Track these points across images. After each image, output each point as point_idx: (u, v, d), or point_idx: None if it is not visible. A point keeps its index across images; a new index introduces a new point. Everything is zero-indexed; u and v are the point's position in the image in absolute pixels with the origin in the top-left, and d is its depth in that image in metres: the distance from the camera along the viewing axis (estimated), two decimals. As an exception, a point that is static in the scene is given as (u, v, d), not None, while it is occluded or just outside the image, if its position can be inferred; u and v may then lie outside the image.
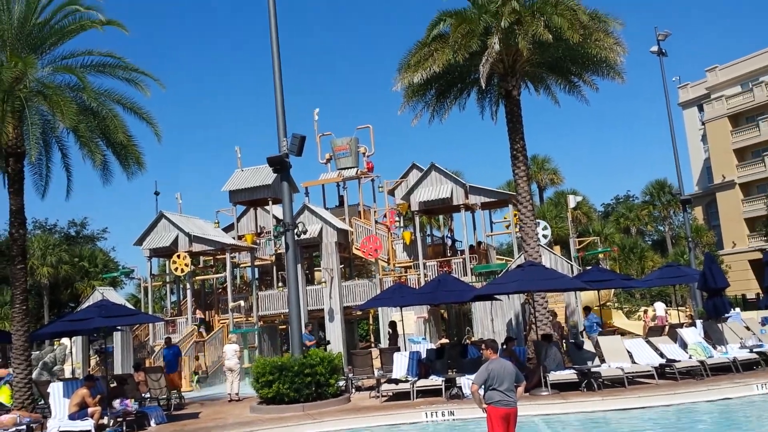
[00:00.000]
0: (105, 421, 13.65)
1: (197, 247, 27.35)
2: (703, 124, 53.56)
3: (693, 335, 16.37)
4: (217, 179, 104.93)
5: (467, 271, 25.39)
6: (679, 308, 24.44)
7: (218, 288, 31.39)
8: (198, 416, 15.28)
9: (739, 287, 42.73)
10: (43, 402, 15.89)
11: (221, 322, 27.03)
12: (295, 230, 16.88)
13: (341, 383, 15.93)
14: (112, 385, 15.41)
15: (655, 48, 33.68)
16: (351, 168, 29.64)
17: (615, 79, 18.99)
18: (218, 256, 30.17)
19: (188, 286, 27.77)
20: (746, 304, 37.18)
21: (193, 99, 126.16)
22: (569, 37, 16.62)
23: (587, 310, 20.73)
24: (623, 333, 22.35)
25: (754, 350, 15.61)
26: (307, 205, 27.97)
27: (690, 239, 32.98)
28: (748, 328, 17.86)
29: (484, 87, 18.32)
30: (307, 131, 18.26)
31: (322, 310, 26.92)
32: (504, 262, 27.81)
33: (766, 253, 20.63)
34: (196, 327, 26.00)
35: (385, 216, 29.52)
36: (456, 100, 20.72)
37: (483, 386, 8.99)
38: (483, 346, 9.63)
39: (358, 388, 16.96)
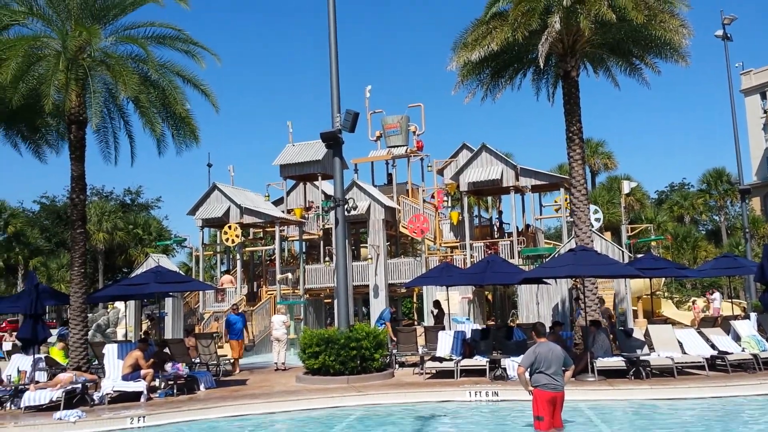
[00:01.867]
0: (156, 383, 14.12)
1: (248, 219, 27.84)
2: (766, 112, 51.46)
3: (747, 328, 15.91)
4: (269, 153, 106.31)
5: (514, 253, 25.17)
6: (733, 300, 23.80)
7: (266, 260, 31.94)
8: (246, 383, 15.66)
9: (797, 282, 41.24)
10: (96, 362, 16.52)
11: (269, 293, 27.55)
12: (345, 206, 16.99)
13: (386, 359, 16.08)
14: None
15: (720, 32, 32.43)
16: (401, 146, 29.60)
17: (679, 62, 18.36)
18: (267, 229, 30.67)
19: (238, 256, 28.33)
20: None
21: (248, 73, 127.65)
22: (633, 17, 16.11)
23: (577, 301, 20.17)
24: (673, 323, 21.86)
25: (812, 347, 15.10)
26: (356, 182, 28.10)
27: (747, 230, 31.91)
28: (806, 324, 17.27)
29: (542, 67, 17.97)
30: (359, 108, 18.28)
31: (367, 286, 27.14)
32: (552, 246, 27.47)
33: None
34: (245, 297, 26.57)
35: (433, 195, 29.45)
36: (511, 80, 20.38)
37: (530, 369, 8.96)
38: (532, 330, 9.61)
39: (402, 365, 17.10)
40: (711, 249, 45.62)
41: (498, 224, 30.99)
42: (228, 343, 18.78)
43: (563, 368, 9.07)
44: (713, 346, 15.24)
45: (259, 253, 32.77)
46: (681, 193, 59.46)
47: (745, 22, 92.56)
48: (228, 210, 27.86)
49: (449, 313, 19.28)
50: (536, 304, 22.76)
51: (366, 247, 28.94)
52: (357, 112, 16.62)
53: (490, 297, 28.43)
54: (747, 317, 18.33)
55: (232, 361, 18.09)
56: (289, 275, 27.45)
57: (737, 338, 15.53)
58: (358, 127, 17.16)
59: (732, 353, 14.62)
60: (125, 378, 13.74)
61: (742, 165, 31.68)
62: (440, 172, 29.63)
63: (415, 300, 33.18)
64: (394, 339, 18.15)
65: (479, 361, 14.78)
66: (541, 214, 30.95)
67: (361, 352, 14.71)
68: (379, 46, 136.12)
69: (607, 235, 27.72)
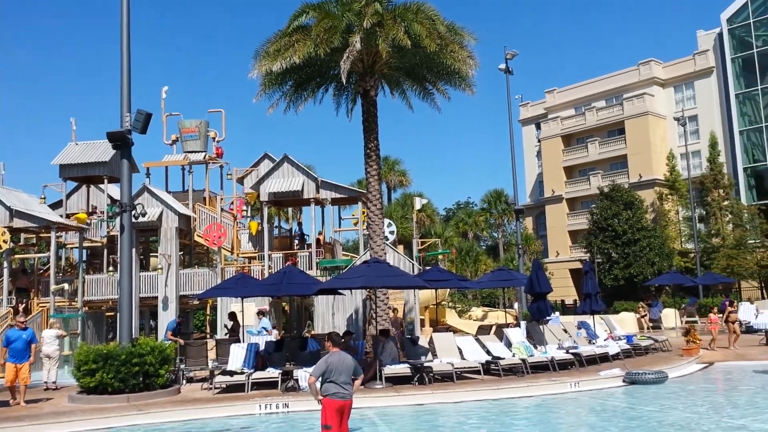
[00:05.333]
0: None
1: (19, 223, 24.85)
2: (539, 141, 57.85)
3: (517, 335, 17.54)
4: (48, 152, 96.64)
5: (313, 264, 25.38)
6: (506, 310, 26.36)
7: (40, 269, 28.82)
8: (8, 404, 13.87)
9: (560, 293, 46.65)
10: None
11: (41, 305, 24.82)
12: (132, 212, 15.91)
13: (173, 374, 15.25)
14: None
15: (503, 65, 35.83)
16: (198, 152, 28.53)
17: (466, 90, 19.90)
18: (42, 235, 27.67)
19: (5, 264, 25.20)
20: (565, 309, 40.62)
21: (26, 64, 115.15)
22: (426, 45, 17.17)
23: (260, 314, 20.30)
24: (455, 331, 23.49)
25: (570, 351, 17.06)
26: (148, 187, 26.49)
27: (520, 246, 35.44)
28: (565, 331, 19.51)
29: (344, 83, 18.43)
30: (154, 109, 17.23)
31: (156, 298, 25.65)
32: (349, 258, 28.15)
33: (586, 263, 22.71)
34: (11, 309, 23.64)
35: (232, 204, 28.73)
36: (313, 94, 20.68)
37: (320, 378, 9.01)
38: (326, 339, 9.67)
39: (190, 380, 16.30)
40: (490, 263, 49.97)
41: (299, 236, 31.07)
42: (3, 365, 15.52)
43: (353, 377, 9.24)
44: (488, 352, 16.57)
45: (31, 261, 29.46)
46: (466, 211, 64.56)
47: (527, 58, 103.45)
48: (-6, 212, 24.66)
49: (244, 325, 18.85)
50: (332, 314, 23.16)
51: (156, 256, 27.36)
52: (150, 113, 15.66)
53: (287, 308, 28.34)
54: (518, 325, 20.23)
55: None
56: (66, 286, 24.98)
57: (509, 345, 17.05)
58: (153, 130, 16.23)
59: (504, 358, 16.00)
60: None
61: (518, 188, 35.19)
62: (240, 180, 29.03)
63: (208, 312, 32.00)
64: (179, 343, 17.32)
65: (272, 373, 14.59)
66: (340, 227, 31.61)
67: (144, 368, 13.77)
68: (180, 46, 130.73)
69: (400, 248, 29.16)
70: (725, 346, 20.33)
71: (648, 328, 28.60)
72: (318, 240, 26.99)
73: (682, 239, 46.85)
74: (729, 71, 48.51)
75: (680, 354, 18.33)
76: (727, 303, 31.84)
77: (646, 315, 29.84)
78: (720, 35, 49.36)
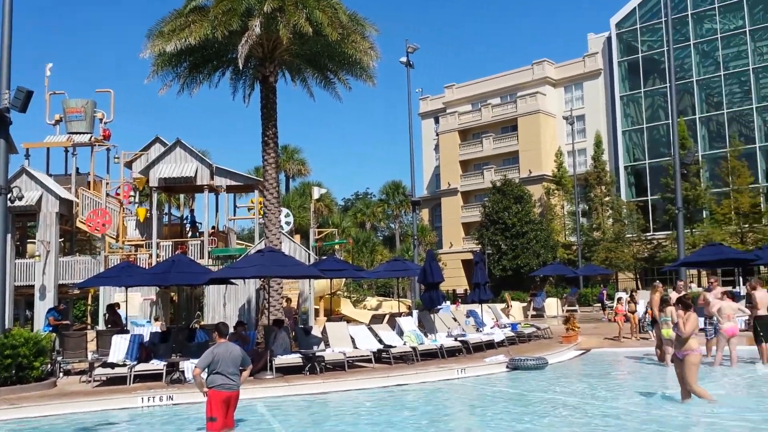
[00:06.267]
0: None
1: None
2: (437, 135, 59.14)
3: (409, 324, 17.90)
4: None
5: (205, 253, 24.72)
6: (400, 299, 26.83)
7: None
8: None
9: (452, 283, 48.09)
10: None
11: None
12: (8, 195, 14.92)
13: (49, 367, 14.42)
14: None
15: (404, 59, 36.25)
16: (84, 133, 27.05)
17: (366, 81, 19.98)
18: None
19: None
20: (456, 298, 41.87)
21: None
22: (328, 33, 17.08)
23: (116, 306, 19.33)
24: (349, 320, 23.66)
25: (458, 339, 17.62)
26: (27, 169, 24.85)
27: (415, 237, 36.15)
28: (455, 319, 20.12)
29: (241, 68, 18.04)
30: (37, 87, 16.16)
31: (33, 286, 24.18)
32: (244, 247, 27.65)
33: (476, 254, 23.47)
34: None
35: (118, 189, 27.47)
36: (209, 77, 20.11)
37: (207, 369, 8.84)
38: (215, 330, 9.50)
39: (68, 373, 15.49)
40: (386, 253, 50.72)
41: (191, 224, 30.12)
42: None
43: (240, 368, 9.12)
44: (381, 341, 16.81)
45: None
46: (364, 202, 65.12)
47: (428, 52, 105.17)
48: None
49: (127, 316, 18.11)
50: (223, 305, 22.68)
51: (34, 242, 25.75)
52: (31, 90, 14.80)
53: (175, 298, 27.47)
54: (410, 314, 20.64)
55: None
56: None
57: (401, 333, 17.38)
58: (35, 109, 15.23)
59: (395, 347, 16.30)
60: None
61: (416, 180, 35.82)
62: (129, 165, 27.77)
63: (90, 302, 30.47)
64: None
65: (156, 365, 14.10)
66: (235, 215, 30.96)
67: (17, 361, 12.97)
68: (67, 20, 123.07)
69: (297, 237, 28.92)
70: (608, 335, 21.30)
71: (508, 315, 29.42)
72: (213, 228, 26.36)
73: (566, 232, 49.47)
74: (615, 74, 51.53)
75: (560, 341, 19.34)
76: (605, 292, 34.03)
77: (510, 307, 31.06)
78: (609, 39, 52.31)
